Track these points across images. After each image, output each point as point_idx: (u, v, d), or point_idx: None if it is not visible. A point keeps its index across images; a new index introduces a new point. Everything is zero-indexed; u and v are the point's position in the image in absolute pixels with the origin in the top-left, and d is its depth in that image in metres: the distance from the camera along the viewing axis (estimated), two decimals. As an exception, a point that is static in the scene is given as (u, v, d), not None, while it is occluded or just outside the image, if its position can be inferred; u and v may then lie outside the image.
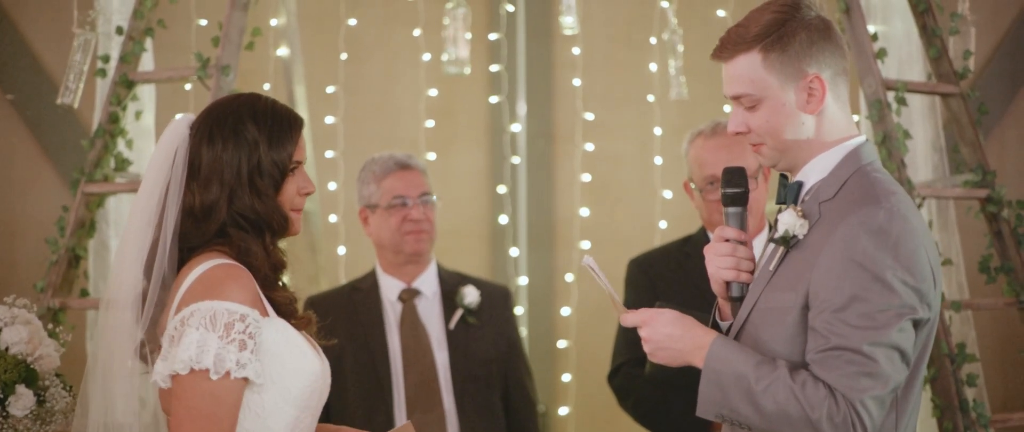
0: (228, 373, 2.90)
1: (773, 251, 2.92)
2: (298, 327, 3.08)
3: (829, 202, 2.88)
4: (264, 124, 3.07)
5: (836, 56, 2.94)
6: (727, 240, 3.01)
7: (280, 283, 3.11)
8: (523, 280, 6.42)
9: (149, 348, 3.05)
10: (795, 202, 2.93)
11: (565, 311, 6.39)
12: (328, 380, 3.15)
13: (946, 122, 5.21)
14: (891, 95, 4.80)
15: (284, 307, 3.06)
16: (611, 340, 4.69)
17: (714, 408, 2.86)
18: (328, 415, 4.67)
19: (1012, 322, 5.24)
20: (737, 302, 3.00)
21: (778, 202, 2.97)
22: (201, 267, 2.99)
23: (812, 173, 2.94)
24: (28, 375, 3.42)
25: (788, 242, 2.88)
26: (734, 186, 3.03)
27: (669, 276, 4.57)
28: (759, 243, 4.24)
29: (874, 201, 2.82)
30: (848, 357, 2.76)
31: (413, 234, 4.74)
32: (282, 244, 3.22)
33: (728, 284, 3.01)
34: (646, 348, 2.96)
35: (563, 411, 6.34)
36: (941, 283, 2.91)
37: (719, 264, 3.00)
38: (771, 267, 2.91)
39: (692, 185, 4.52)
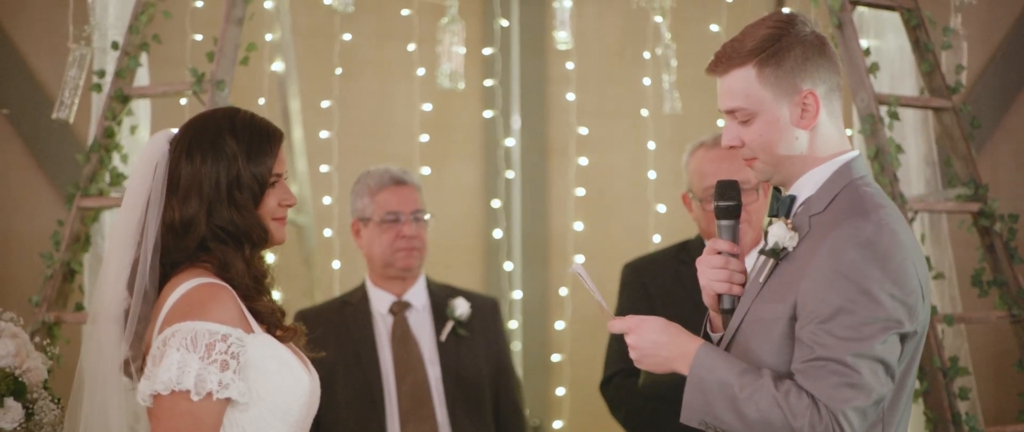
0: (210, 394, 2.90)
1: (763, 263, 2.94)
2: (284, 340, 3.08)
3: (819, 215, 2.89)
4: (243, 138, 3.07)
5: (831, 72, 2.95)
6: (719, 252, 3.02)
7: (264, 295, 3.11)
8: (517, 294, 6.43)
9: (135, 365, 3.06)
10: (787, 216, 2.95)
11: (559, 325, 6.39)
12: (317, 394, 3.15)
13: (938, 136, 5.22)
14: (884, 109, 4.81)
15: (268, 318, 3.06)
16: (605, 354, 4.70)
17: (697, 415, 2.88)
18: (319, 429, 4.68)
19: (1005, 335, 5.25)
20: (728, 314, 3.01)
21: (770, 215, 2.98)
22: (183, 286, 2.99)
23: (804, 187, 2.95)
24: (16, 388, 3.42)
25: (777, 254, 2.90)
26: (727, 199, 3.04)
27: (663, 282, 4.57)
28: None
29: (863, 214, 2.84)
30: (832, 368, 2.77)
31: (404, 251, 4.75)
32: (277, 258, 3.23)
33: (720, 296, 3.02)
34: (632, 355, 2.97)
35: (557, 425, 6.34)
36: (929, 296, 2.91)
37: (711, 276, 3.02)
38: (761, 279, 2.93)
39: (691, 196, 4.52)
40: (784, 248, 2.90)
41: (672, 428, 4.26)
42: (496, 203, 6.46)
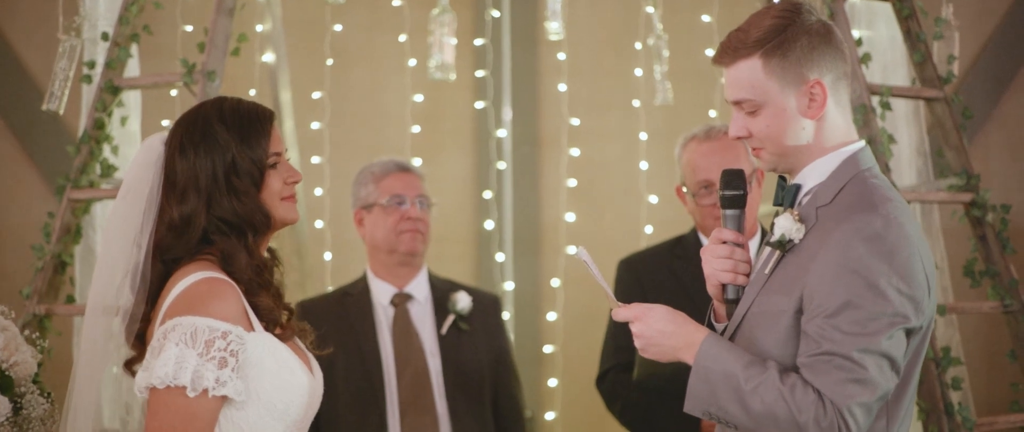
0: (206, 391, 2.88)
1: (769, 255, 2.92)
2: (283, 338, 3.05)
3: (826, 207, 2.88)
4: (233, 124, 3.06)
5: (837, 61, 2.93)
6: (724, 242, 3.01)
7: (270, 287, 3.09)
8: (509, 285, 6.42)
9: (137, 365, 3.04)
10: (792, 205, 2.94)
11: (551, 316, 6.39)
12: (320, 393, 3.13)
13: (930, 126, 5.22)
14: (876, 100, 4.81)
15: (266, 315, 3.04)
16: (598, 344, 4.69)
17: (702, 405, 2.86)
18: (318, 422, 4.66)
19: (997, 326, 5.26)
20: (733, 304, 2.99)
21: (775, 204, 2.97)
22: (187, 280, 2.97)
23: (810, 177, 2.94)
24: (3, 382, 3.39)
25: (784, 246, 2.88)
26: (733, 188, 3.02)
27: (658, 278, 4.56)
28: (752, 247, 4.24)
29: (870, 208, 2.82)
30: (838, 363, 2.76)
31: (409, 233, 4.74)
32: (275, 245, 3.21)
33: (724, 286, 3.01)
34: (637, 343, 2.95)
35: (550, 416, 6.34)
36: (935, 290, 2.90)
37: (716, 266, 3.00)
38: (766, 271, 2.91)
39: (684, 189, 4.50)
40: (790, 240, 2.88)
41: (667, 421, 4.28)
42: (488, 194, 6.45)
